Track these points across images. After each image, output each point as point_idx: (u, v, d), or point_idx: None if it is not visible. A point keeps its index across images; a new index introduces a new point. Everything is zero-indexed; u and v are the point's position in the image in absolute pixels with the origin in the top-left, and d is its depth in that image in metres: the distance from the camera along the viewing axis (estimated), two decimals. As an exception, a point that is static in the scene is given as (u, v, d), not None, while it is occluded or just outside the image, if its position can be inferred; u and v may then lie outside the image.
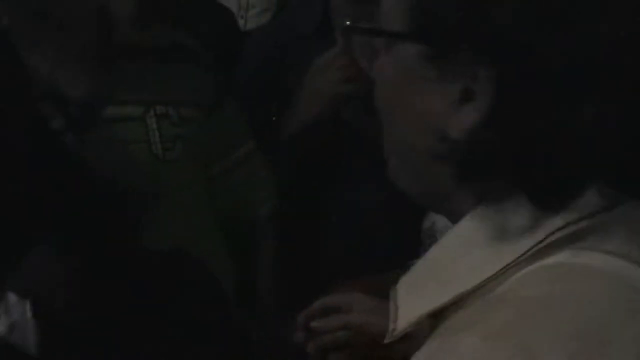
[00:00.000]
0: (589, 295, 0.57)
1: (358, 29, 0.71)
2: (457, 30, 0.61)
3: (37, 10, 1.34)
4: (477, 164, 0.62)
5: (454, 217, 0.67)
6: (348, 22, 0.72)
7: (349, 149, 1.66)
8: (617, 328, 0.55)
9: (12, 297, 1.09)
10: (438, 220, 1.33)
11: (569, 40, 0.59)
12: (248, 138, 1.60)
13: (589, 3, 0.60)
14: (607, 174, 0.61)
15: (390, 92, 0.68)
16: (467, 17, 0.60)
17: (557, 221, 0.60)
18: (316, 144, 1.65)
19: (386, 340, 0.67)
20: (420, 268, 0.68)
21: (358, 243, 1.65)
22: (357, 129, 1.64)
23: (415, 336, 0.64)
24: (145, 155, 1.44)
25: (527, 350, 0.53)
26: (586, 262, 0.59)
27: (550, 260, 0.60)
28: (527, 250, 0.60)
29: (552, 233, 0.60)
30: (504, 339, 0.55)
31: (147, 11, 1.51)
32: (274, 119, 1.73)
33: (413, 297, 0.66)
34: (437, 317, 0.64)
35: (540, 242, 0.60)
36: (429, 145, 0.64)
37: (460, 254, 0.64)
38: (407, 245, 1.38)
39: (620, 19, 0.59)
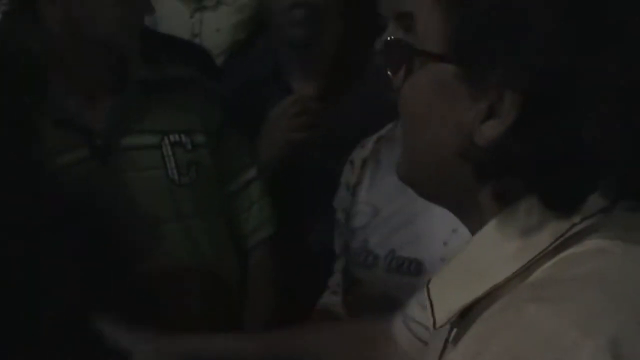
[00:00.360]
0: (610, 270, 0.66)
1: (400, 45, 0.77)
2: (490, 56, 0.68)
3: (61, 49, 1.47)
4: (497, 167, 0.70)
5: (474, 222, 0.74)
6: (389, 38, 0.78)
7: (313, 183, 1.75)
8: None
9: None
10: (371, 236, 1.44)
11: (588, 69, 0.65)
12: (251, 164, 1.70)
13: (609, 35, 0.66)
14: (608, 181, 0.68)
15: (423, 102, 0.74)
16: (500, 45, 0.67)
17: (573, 219, 0.68)
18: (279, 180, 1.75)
19: (431, 331, 0.75)
20: (451, 267, 0.75)
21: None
22: (319, 164, 1.74)
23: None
24: (163, 180, 1.56)
25: (588, 306, 0.62)
26: (599, 247, 0.68)
27: (568, 252, 0.68)
28: (547, 247, 0.68)
29: (569, 229, 0.68)
30: (563, 302, 0.62)
31: (152, 49, 1.64)
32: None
33: (447, 292, 0.74)
34: (463, 314, 0.72)
35: (559, 238, 0.68)
36: (457, 148, 0.71)
37: (489, 252, 0.71)
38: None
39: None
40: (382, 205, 1.45)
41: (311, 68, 1.77)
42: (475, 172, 0.72)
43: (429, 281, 0.76)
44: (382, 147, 1.50)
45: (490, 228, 0.72)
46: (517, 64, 0.66)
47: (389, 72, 0.78)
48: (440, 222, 1.35)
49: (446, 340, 0.78)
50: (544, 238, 0.69)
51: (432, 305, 0.74)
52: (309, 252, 1.75)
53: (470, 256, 0.73)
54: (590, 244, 0.68)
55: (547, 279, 0.67)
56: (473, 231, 0.75)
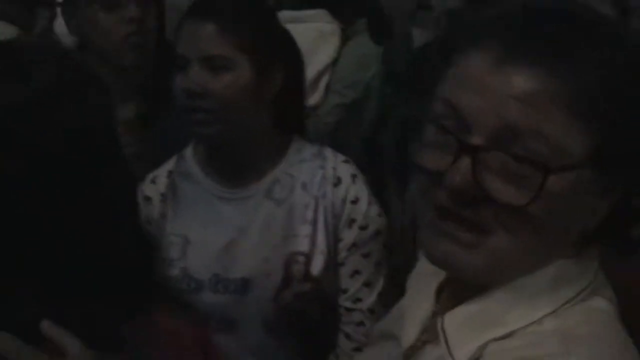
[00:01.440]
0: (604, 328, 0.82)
1: (535, 162, 0.78)
2: (628, 167, 0.80)
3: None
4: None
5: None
6: (517, 155, 0.78)
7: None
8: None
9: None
10: (190, 263, 1.56)
11: None
12: None
13: None
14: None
15: (557, 209, 0.79)
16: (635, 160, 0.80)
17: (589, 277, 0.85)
18: None
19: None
20: (470, 309, 0.84)
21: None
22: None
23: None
24: None
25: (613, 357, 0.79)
26: (598, 306, 0.83)
27: (585, 304, 0.83)
28: (564, 303, 0.82)
29: (584, 288, 0.84)
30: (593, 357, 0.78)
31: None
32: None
33: (465, 331, 0.84)
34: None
35: (580, 293, 0.83)
36: (572, 240, 0.83)
37: (513, 301, 0.82)
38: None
39: None
40: (190, 234, 1.55)
41: (132, 92, 1.85)
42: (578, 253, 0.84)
43: (443, 316, 0.86)
44: (178, 181, 1.60)
45: (520, 283, 0.83)
46: None
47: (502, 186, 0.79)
48: (258, 242, 1.51)
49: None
50: (568, 293, 0.83)
51: (447, 340, 0.84)
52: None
53: (492, 302, 0.83)
54: (598, 302, 0.83)
55: (575, 334, 0.80)
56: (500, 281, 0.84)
